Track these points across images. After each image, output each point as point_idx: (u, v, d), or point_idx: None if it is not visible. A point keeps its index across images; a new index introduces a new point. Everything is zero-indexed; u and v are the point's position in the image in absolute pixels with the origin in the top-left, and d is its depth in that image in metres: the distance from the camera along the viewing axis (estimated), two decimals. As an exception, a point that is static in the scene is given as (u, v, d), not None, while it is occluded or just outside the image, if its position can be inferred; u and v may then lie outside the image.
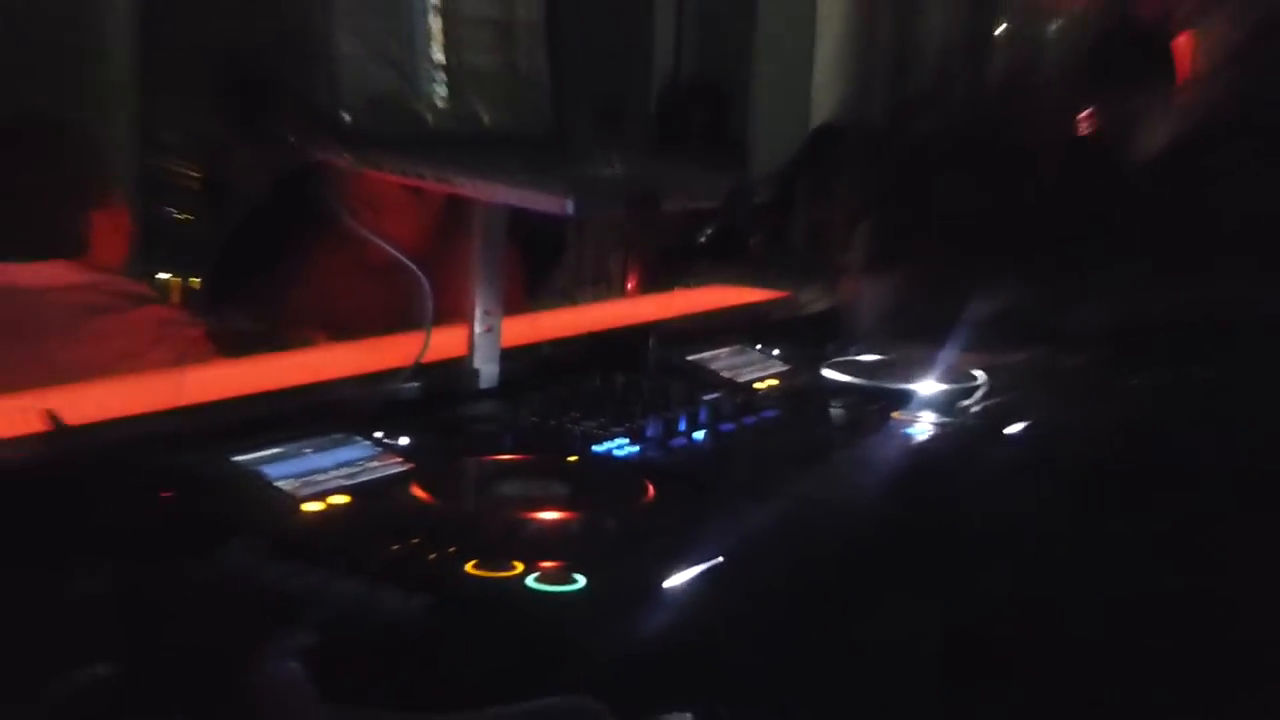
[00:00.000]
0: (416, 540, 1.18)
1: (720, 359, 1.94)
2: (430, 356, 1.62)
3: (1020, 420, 1.77)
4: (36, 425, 1.33)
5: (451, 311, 1.72)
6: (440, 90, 1.62)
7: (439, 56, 1.62)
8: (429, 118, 1.61)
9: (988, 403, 1.79)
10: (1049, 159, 2.96)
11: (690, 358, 1.92)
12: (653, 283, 3.48)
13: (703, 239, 4.07)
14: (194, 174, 5.76)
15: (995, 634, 1.47)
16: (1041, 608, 1.50)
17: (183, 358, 2.08)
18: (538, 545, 1.18)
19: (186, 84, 6.35)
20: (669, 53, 10.19)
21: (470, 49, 1.67)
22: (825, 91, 10.37)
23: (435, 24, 1.62)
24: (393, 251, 1.65)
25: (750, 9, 11.33)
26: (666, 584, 1.17)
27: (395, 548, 1.17)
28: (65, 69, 6.03)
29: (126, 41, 6.60)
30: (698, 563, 1.20)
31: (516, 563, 1.13)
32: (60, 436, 1.32)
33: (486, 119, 1.68)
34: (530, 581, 1.11)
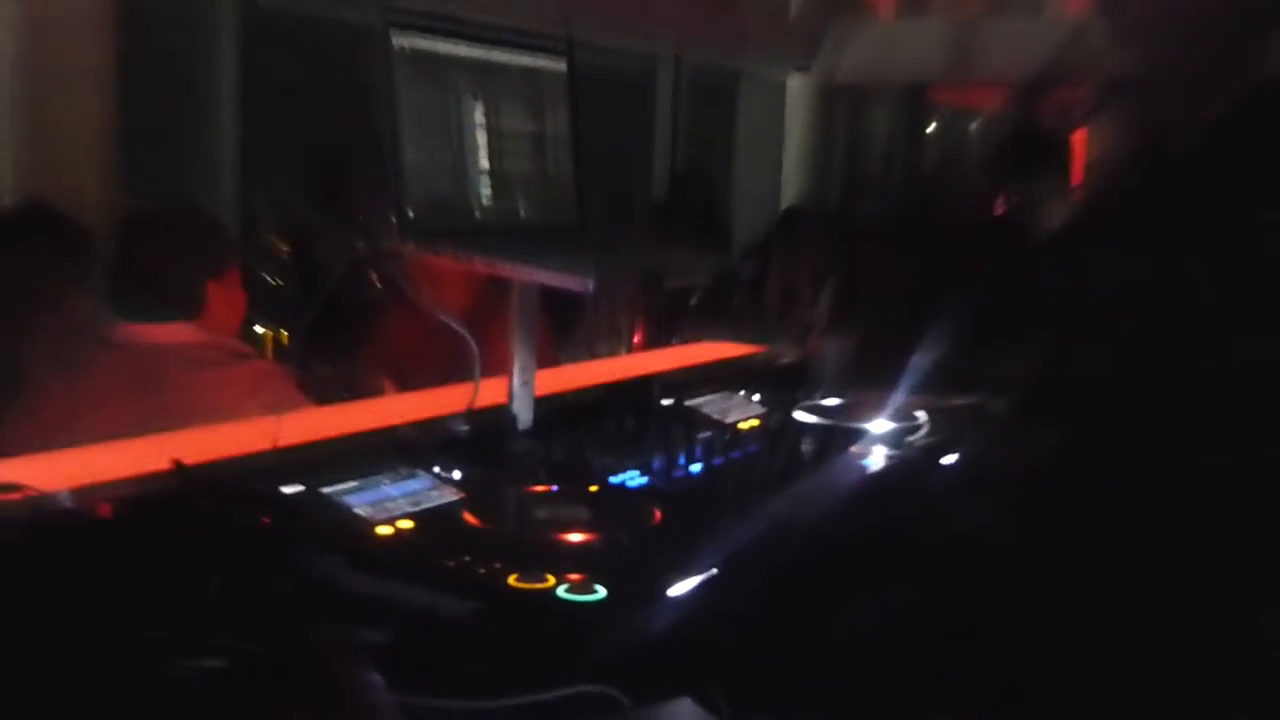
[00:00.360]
0: (467, 558, 1.17)
1: (711, 403, 1.94)
2: (477, 403, 1.62)
3: (953, 453, 1.76)
4: (160, 464, 1.33)
5: (495, 362, 1.72)
6: (485, 191, 1.63)
7: (484, 164, 1.63)
8: (477, 213, 1.61)
9: (928, 439, 1.79)
10: (971, 234, 2.96)
11: (687, 403, 1.91)
12: (654, 339, 3.49)
13: (694, 303, 4.07)
14: (285, 247, 5.78)
15: (930, 621, 1.46)
16: (966, 600, 1.50)
17: (278, 405, 2.08)
18: (566, 561, 1.17)
19: (283, 176, 6.43)
20: (666, 154, 10.24)
21: (509, 157, 1.67)
22: (791, 182, 10.41)
23: (481, 138, 1.63)
24: (447, 320, 1.65)
25: (731, 117, 11.40)
26: (671, 592, 1.16)
27: (450, 564, 1.16)
28: (179, 158, 6.10)
29: (232, 139, 6.71)
30: (696, 574, 1.19)
31: (549, 576, 1.13)
32: (181, 475, 1.31)
33: (523, 213, 1.69)
34: (560, 592, 1.10)
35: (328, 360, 3.02)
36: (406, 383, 2.62)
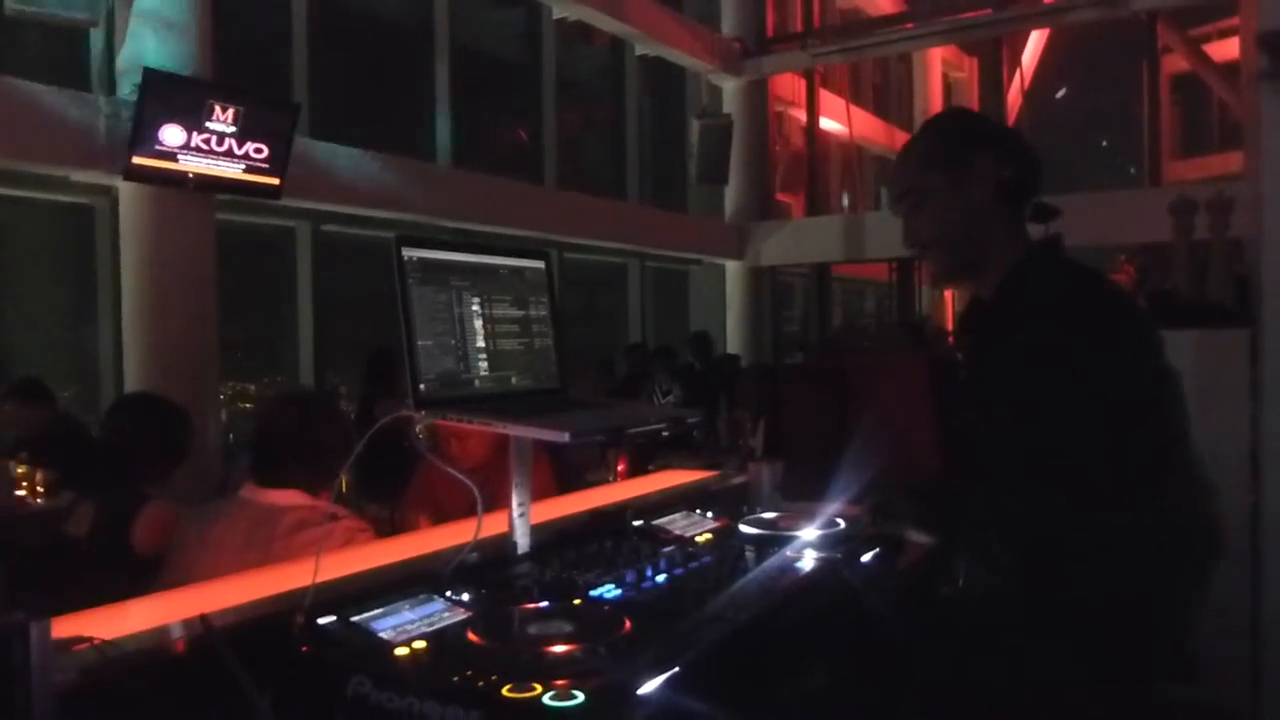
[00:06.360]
0: (469, 672, 1.05)
1: (673, 522, 1.82)
2: (485, 533, 1.49)
3: (866, 553, 1.64)
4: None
5: (505, 497, 1.61)
6: (484, 366, 1.54)
7: (482, 344, 1.55)
8: (476, 384, 1.52)
9: (849, 542, 1.66)
10: (871, 375, 2.87)
11: (655, 522, 1.79)
12: (635, 468, 3.37)
13: (664, 436, 3.96)
14: (350, 412, 5.73)
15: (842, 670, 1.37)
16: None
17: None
18: (551, 671, 1.05)
19: (343, 365, 6.50)
20: (638, 325, 10.23)
21: (502, 338, 1.59)
22: (732, 341, 10.38)
23: (479, 324, 1.55)
24: (450, 471, 1.54)
25: (685, 296, 11.41)
26: (640, 692, 1.04)
27: (455, 679, 1.04)
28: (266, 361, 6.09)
29: (308, 337, 6.76)
30: (661, 673, 1.07)
31: (537, 685, 1.00)
32: (206, 626, 1.17)
33: (514, 381, 1.60)
34: (546, 700, 0.98)
35: (378, 502, 2.90)
36: (441, 519, 2.49)
